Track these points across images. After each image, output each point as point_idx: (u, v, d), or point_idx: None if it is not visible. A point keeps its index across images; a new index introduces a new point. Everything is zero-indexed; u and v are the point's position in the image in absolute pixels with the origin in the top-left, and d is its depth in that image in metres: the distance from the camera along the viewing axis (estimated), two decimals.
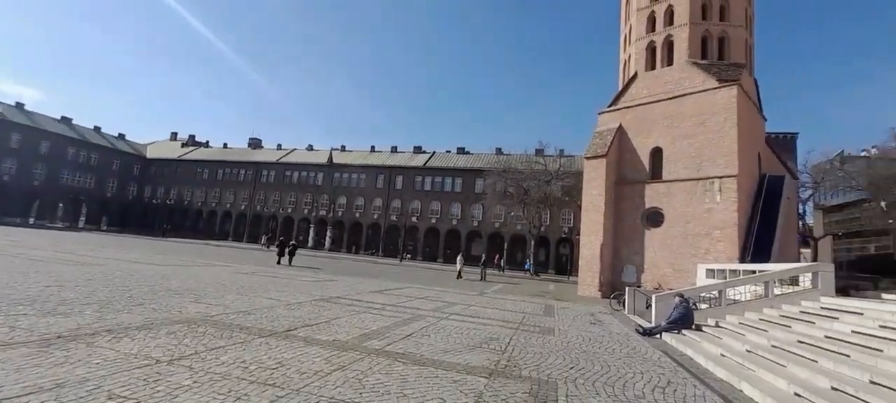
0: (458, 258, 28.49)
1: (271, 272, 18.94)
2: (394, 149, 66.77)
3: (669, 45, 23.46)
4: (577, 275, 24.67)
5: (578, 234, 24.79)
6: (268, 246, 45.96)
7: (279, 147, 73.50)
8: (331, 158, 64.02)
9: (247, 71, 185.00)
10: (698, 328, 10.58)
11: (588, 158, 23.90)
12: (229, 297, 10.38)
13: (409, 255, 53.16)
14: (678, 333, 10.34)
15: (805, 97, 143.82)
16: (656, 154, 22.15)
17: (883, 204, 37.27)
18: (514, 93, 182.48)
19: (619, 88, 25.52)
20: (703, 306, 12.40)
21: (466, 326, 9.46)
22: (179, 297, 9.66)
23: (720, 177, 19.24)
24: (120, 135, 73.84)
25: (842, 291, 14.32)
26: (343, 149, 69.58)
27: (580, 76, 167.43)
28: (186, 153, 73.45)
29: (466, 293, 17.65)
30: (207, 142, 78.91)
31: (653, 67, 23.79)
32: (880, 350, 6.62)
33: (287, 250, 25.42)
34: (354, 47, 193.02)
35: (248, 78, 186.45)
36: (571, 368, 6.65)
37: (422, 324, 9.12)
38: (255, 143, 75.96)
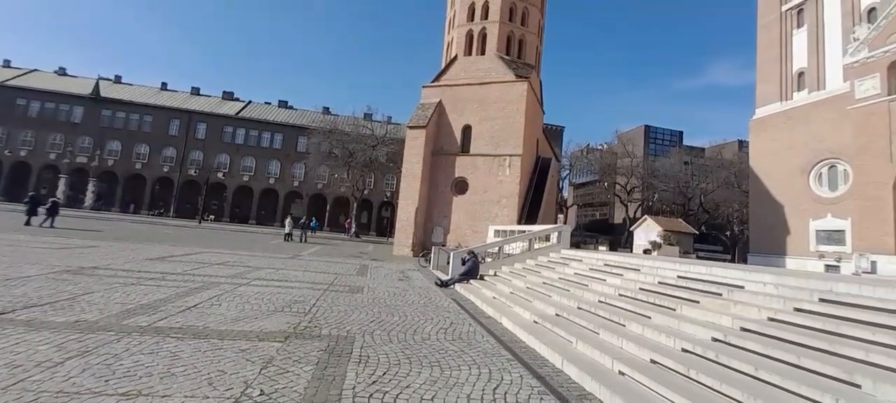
0: (287, 220, 26.99)
1: None
2: (196, 91, 55.63)
3: (484, 36, 26.38)
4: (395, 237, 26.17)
5: (399, 198, 26.14)
6: None
7: (7, 64, 51.96)
8: (97, 89, 49.09)
9: None
10: (482, 278, 12.77)
11: (411, 127, 25.15)
12: None
13: (211, 217, 46.25)
14: (467, 283, 12.24)
15: (574, 98, 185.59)
16: (467, 130, 25.02)
17: (605, 184, 53.45)
18: (347, 53, 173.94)
19: (442, 67, 27.44)
20: (489, 259, 14.97)
21: (269, 291, 8.98)
22: None
23: (510, 155, 23.26)
24: None
25: (576, 245, 19.53)
26: (118, 80, 54.16)
27: (414, 47, 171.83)
28: None
29: (278, 256, 16.63)
30: None
31: (470, 53, 26.38)
32: (586, 286, 9.34)
33: (45, 208, 18.91)
34: None
35: None
36: (372, 322, 7.14)
37: (213, 293, 8.20)
38: None
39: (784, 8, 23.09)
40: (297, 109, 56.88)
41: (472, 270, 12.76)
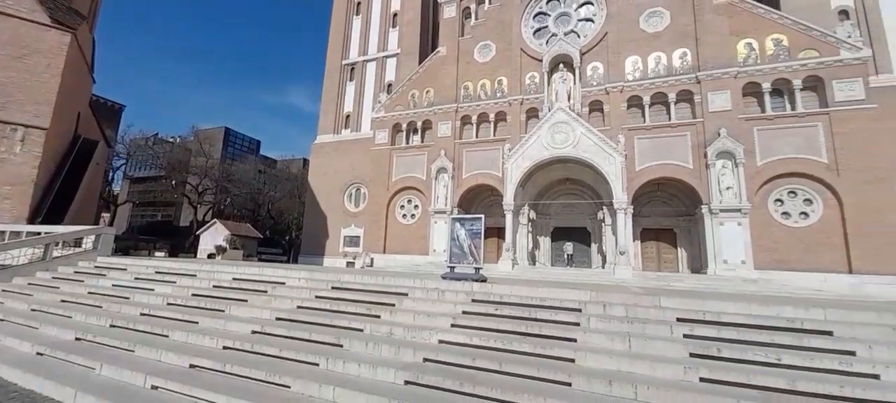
0: None
1: None
2: None
3: None
4: None
5: None
6: None
7: None
8: None
9: None
10: None
11: None
12: None
13: None
14: None
15: (144, 76, 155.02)
16: None
17: (173, 182, 47.92)
18: None
19: None
20: None
21: None
22: None
23: (26, 126, 16.03)
24: None
25: (125, 251, 16.27)
26: None
27: None
28: None
29: None
30: None
31: None
32: (127, 298, 8.14)
33: None
34: None
35: None
36: None
37: None
38: None
39: (343, 62, 29.96)
40: None
41: None
